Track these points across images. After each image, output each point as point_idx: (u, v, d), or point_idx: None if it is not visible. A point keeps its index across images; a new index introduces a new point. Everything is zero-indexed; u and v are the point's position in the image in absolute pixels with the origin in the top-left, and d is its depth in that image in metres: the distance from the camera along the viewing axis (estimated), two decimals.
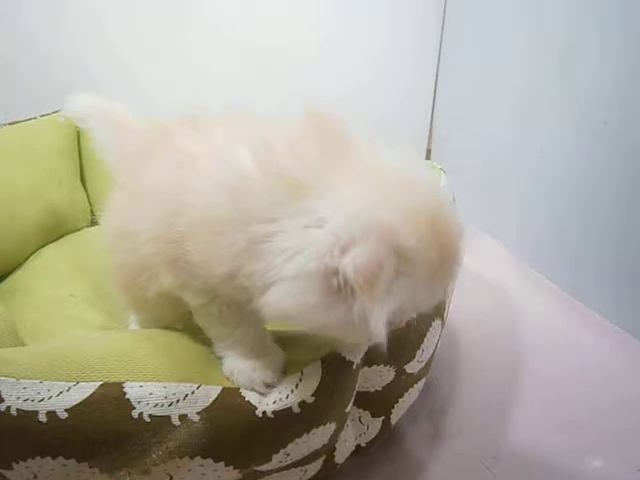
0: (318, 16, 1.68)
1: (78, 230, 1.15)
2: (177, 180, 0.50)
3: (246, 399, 0.50)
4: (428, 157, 1.82)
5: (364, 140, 0.49)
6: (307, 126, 0.47)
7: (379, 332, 0.40)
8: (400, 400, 0.70)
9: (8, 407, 0.45)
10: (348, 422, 0.65)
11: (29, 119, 1.12)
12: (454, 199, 0.88)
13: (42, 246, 1.08)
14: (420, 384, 0.74)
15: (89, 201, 1.20)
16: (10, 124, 1.08)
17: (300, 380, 0.52)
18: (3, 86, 1.33)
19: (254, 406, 0.50)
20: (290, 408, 0.51)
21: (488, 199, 1.50)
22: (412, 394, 0.72)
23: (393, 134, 1.42)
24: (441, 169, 0.94)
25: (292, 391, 0.51)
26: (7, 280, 0.98)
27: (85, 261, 0.98)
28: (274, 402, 0.50)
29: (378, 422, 0.70)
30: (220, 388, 0.51)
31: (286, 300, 0.42)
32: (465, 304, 1.03)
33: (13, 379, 0.47)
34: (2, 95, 1.33)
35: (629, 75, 1.06)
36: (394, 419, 0.72)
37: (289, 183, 0.43)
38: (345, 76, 1.71)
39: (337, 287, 0.40)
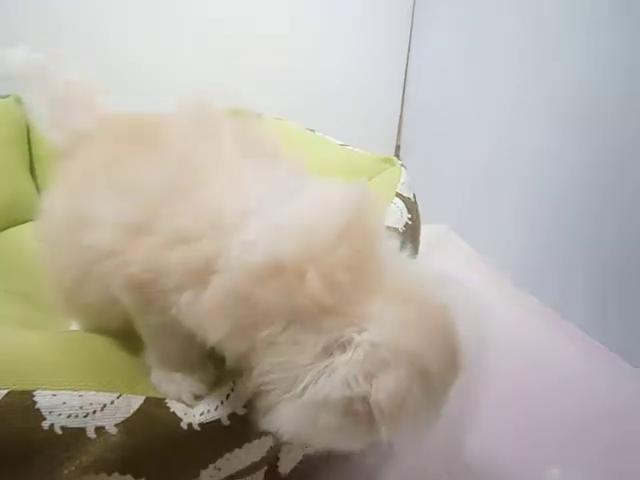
0: (286, 14, 1.65)
1: (24, 222, 1.09)
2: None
3: (171, 410, 0.47)
4: (397, 154, 1.80)
5: (387, 250, 0.47)
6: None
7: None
8: None
9: None
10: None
11: None
12: (414, 196, 0.85)
13: None
14: None
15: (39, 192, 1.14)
16: None
17: (232, 390, 0.48)
18: None
19: (179, 418, 0.46)
20: (219, 420, 0.47)
21: (457, 197, 1.48)
22: None
23: (363, 130, 1.42)
24: (402, 165, 0.91)
25: (222, 402, 0.48)
26: None
27: (27, 255, 0.92)
28: (201, 414, 0.47)
29: None
30: (143, 398, 0.47)
31: (298, 422, 0.40)
32: None
33: None
34: None
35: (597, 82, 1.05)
36: None
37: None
38: (313, 73, 1.69)
39: (358, 412, 0.39)
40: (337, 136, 1.13)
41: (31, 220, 1.09)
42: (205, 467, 0.48)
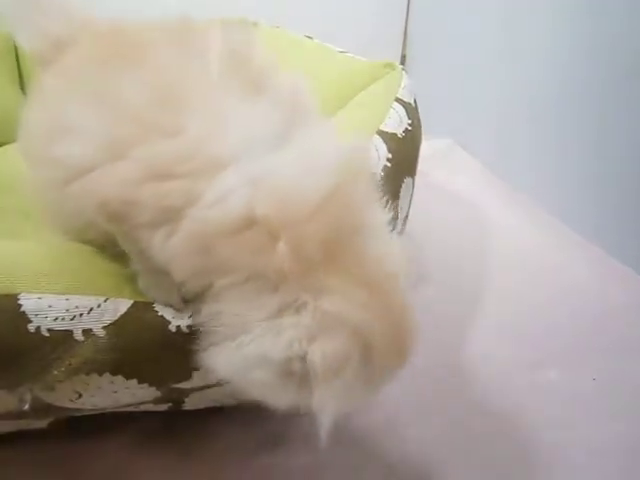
0: None
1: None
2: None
3: (159, 313, 0.46)
4: (403, 63, 1.72)
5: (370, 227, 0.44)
6: None
7: (324, 419, 0.38)
8: None
9: None
10: None
11: None
12: (415, 102, 0.81)
13: None
14: None
15: None
16: None
17: None
18: None
19: (167, 321, 0.46)
20: None
21: (462, 109, 1.43)
22: None
23: (367, 39, 1.35)
24: (403, 69, 0.86)
25: None
26: None
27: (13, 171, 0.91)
28: (190, 316, 0.46)
29: None
30: (131, 302, 0.46)
31: (233, 370, 0.40)
32: (432, 215, 0.99)
33: None
34: None
35: None
36: None
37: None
38: None
39: (294, 373, 0.38)
40: (339, 45, 1.08)
41: None
42: (197, 368, 0.48)
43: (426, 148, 0.83)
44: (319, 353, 0.38)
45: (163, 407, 0.58)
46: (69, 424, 0.56)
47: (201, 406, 0.60)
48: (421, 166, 0.77)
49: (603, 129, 1.05)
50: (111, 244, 0.50)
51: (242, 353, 0.39)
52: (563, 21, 1.12)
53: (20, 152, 0.60)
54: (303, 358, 0.38)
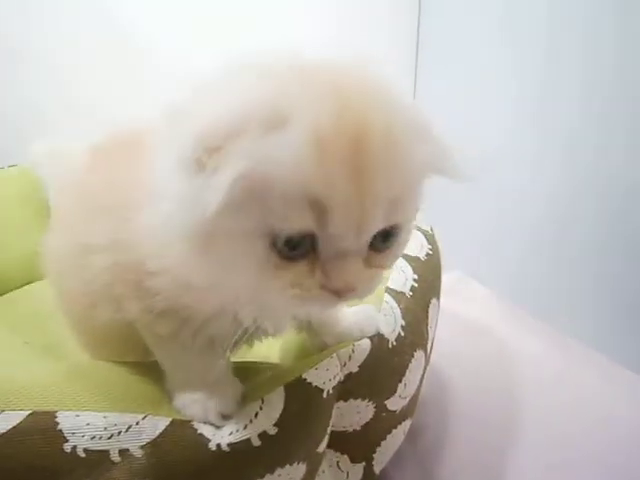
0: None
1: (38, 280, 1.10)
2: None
3: (198, 431, 0.44)
4: None
5: None
6: None
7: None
8: (382, 443, 0.63)
9: None
10: (324, 467, 0.58)
11: None
12: (432, 229, 0.86)
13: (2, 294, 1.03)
14: (405, 425, 0.67)
15: None
16: None
17: (260, 408, 0.46)
18: None
19: (207, 439, 0.44)
20: (249, 440, 0.44)
21: (469, 242, 1.48)
22: (396, 437, 0.65)
23: None
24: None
25: (251, 421, 0.45)
26: None
27: (41, 308, 0.93)
28: (230, 433, 0.44)
29: (359, 468, 0.62)
30: (169, 419, 0.44)
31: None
32: (450, 345, 0.98)
33: None
34: None
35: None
36: (377, 466, 0.64)
37: None
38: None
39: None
40: None
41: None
42: None
43: None
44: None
45: None
46: None
47: None
48: None
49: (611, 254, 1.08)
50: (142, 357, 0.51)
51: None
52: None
53: (47, 275, 0.64)
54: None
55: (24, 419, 0.41)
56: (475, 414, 0.87)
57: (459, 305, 1.21)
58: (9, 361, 0.75)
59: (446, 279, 1.31)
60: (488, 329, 1.14)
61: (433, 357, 0.78)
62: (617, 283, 1.09)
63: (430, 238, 0.81)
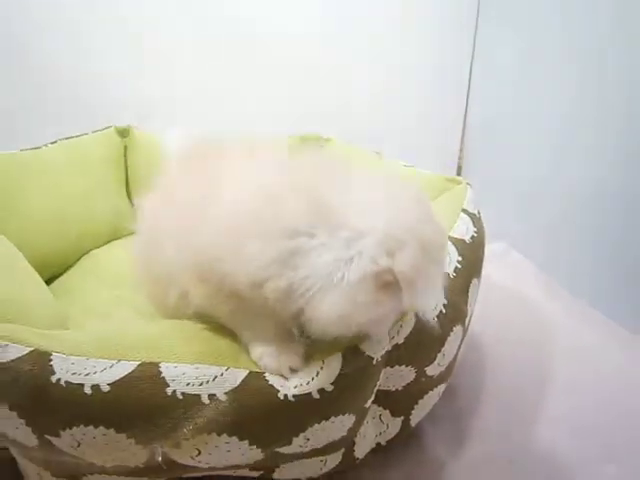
0: (343, 22, 1.70)
1: (124, 236, 1.23)
2: (205, 193, 0.58)
3: (269, 382, 0.55)
4: (459, 174, 1.84)
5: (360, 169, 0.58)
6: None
7: (428, 309, 0.54)
8: (420, 401, 0.73)
9: (58, 379, 0.51)
10: (368, 419, 0.68)
11: (83, 134, 1.22)
12: (479, 213, 0.90)
13: (90, 250, 1.15)
14: (441, 388, 0.76)
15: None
16: (65, 139, 1.17)
17: (321, 369, 0.56)
18: (61, 103, 1.45)
19: (277, 389, 0.54)
20: (310, 394, 0.54)
21: (517, 215, 1.52)
22: (432, 397, 0.75)
23: (423, 150, 1.49)
24: (467, 183, 0.97)
25: (313, 378, 0.55)
26: (58, 281, 1.05)
27: (123, 266, 1.05)
28: (295, 387, 0.54)
29: (398, 422, 0.73)
30: (247, 371, 0.55)
31: (342, 304, 0.49)
32: (491, 315, 1.06)
33: (63, 355, 0.52)
34: (60, 111, 1.44)
35: None
36: (414, 420, 0.74)
37: (317, 201, 0.51)
38: (373, 86, 1.73)
39: (388, 282, 0.48)
40: (401, 158, 1.21)
41: (129, 235, 1.24)
42: (297, 435, 0.55)
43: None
44: (404, 264, 0.48)
45: (256, 474, 0.65)
46: None
47: (287, 477, 0.66)
48: None
49: None
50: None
51: (342, 289, 0.48)
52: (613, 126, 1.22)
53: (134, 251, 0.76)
54: (390, 270, 0.48)
55: (135, 368, 0.53)
56: (506, 377, 0.95)
57: (498, 273, 1.28)
58: (105, 314, 0.88)
59: (492, 250, 1.38)
60: (523, 298, 1.21)
61: (472, 321, 0.85)
62: None
63: (476, 221, 0.87)
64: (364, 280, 0.48)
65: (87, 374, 0.52)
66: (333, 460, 0.66)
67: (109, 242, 1.21)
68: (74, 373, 0.51)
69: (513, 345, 1.05)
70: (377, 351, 0.60)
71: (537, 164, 1.48)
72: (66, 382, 0.51)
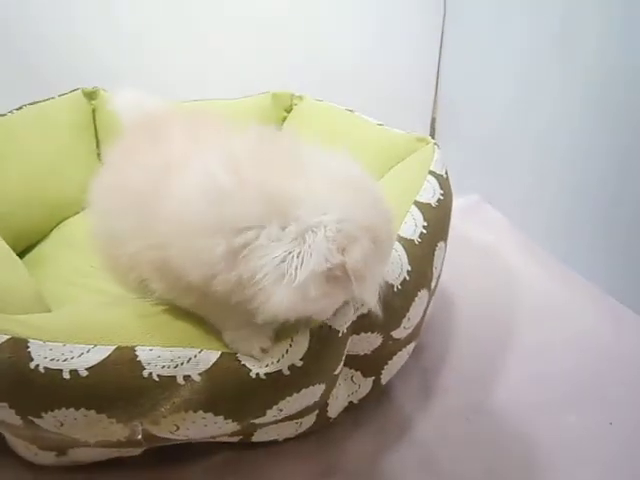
0: None
1: None
2: (155, 182, 0.59)
3: (242, 362, 0.57)
4: (433, 126, 1.83)
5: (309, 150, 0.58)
6: (261, 138, 0.58)
7: (372, 302, 0.54)
8: (389, 362, 0.77)
9: (37, 365, 0.53)
10: (340, 382, 0.71)
11: (49, 98, 1.19)
12: (447, 173, 0.91)
13: (65, 219, 1.15)
14: (410, 347, 0.80)
15: None
16: (30, 104, 1.14)
17: (290, 346, 0.59)
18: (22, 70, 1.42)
19: (249, 368, 0.57)
20: (280, 371, 0.57)
21: (491, 168, 1.53)
22: (401, 357, 0.79)
23: (396, 102, 1.49)
24: (435, 144, 0.97)
25: (283, 356, 0.58)
26: (33, 251, 1.06)
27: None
28: (266, 365, 0.57)
29: (369, 381, 0.76)
30: (219, 352, 0.58)
31: (291, 297, 0.50)
32: (460, 269, 1.08)
33: (41, 341, 0.54)
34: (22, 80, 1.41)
35: None
36: (384, 379, 0.78)
37: (266, 195, 0.51)
38: (346, 42, 1.70)
39: (338, 277, 0.50)
40: (374, 111, 1.20)
41: None
42: (270, 407, 0.59)
43: (454, 204, 0.91)
44: (355, 259, 0.50)
45: (235, 439, 0.69)
46: (158, 452, 0.68)
47: (265, 439, 0.71)
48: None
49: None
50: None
51: (295, 284, 0.49)
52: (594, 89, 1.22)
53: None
54: (342, 265, 0.50)
55: (112, 352, 0.55)
56: (474, 334, 0.99)
57: (471, 228, 1.30)
58: (81, 285, 0.89)
59: (462, 202, 1.40)
60: (496, 254, 1.24)
61: (441, 279, 0.88)
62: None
63: (443, 182, 0.88)
64: (314, 275, 0.49)
65: (65, 360, 0.54)
66: (307, 421, 0.71)
67: (83, 210, 1.20)
68: (52, 359, 0.53)
69: (481, 299, 1.09)
70: (343, 324, 0.63)
71: (511, 115, 1.48)
72: (45, 368, 0.53)
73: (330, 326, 0.61)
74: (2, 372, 0.53)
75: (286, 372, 0.58)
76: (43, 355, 0.53)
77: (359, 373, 0.75)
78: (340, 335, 0.62)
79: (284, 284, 0.49)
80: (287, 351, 0.58)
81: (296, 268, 0.49)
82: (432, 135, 1.79)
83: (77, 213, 1.18)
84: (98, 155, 1.28)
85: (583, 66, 1.20)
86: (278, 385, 0.58)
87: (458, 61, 1.71)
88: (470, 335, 0.99)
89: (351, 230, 0.51)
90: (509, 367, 0.92)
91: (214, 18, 1.60)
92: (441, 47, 1.74)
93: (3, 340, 0.54)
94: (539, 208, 1.39)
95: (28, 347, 0.54)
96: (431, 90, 1.80)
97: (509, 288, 1.13)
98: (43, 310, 0.75)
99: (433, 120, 1.81)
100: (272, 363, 0.57)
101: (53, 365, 0.53)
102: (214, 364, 0.57)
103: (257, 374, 0.57)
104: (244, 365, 0.57)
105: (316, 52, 1.69)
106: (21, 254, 1.01)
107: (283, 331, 0.60)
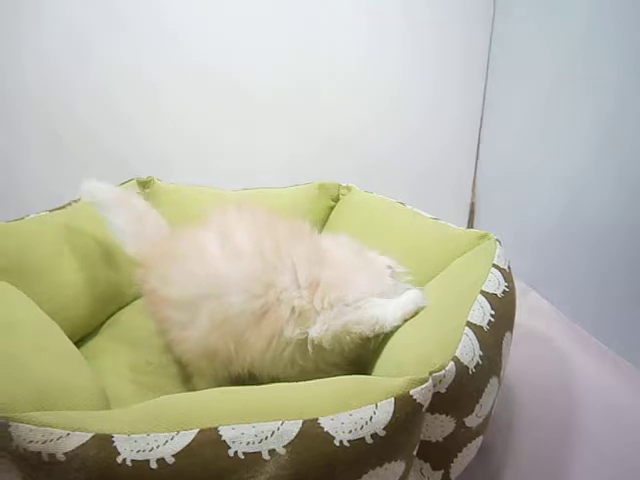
0: (363, 65, 1.81)
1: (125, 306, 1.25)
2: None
3: (325, 429, 0.57)
4: (472, 211, 1.86)
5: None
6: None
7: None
8: (459, 454, 0.74)
9: (124, 459, 0.53)
10: (411, 472, 0.69)
11: None
12: (509, 267, 0.92)
13: (117, 310, 1.18)
14: (478, 441, 0.77)
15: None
16: None
17: (374, 413, 0.58)
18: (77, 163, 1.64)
19: (332, 436, 0.56)
20: (364, 439, 0.56)
21: (533, 254, 1.52)
22: (471, 450, 0.76)
23: (436, 187, 1.56)
24: (497, 240, 0.99)
25: (366, 422, 0.57)
26: (87, 345, 1.07)
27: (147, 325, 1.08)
28: (350, 432, 0.56)
29: (438, 475, 0.73)
30: (301, 422, 0.57)
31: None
32: (516, 360, 1.04)
33: (125, 435, 0.54)
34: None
35: None
36: (453, 474, 0.75)
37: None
38: (389, 127, 1.81)
39: None
40: (415, 197, 1.23)
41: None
42: (360, 476, 0.57)
43: None
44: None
45: None
46: None
47: None
48: None
49: None
50: None
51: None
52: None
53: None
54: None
55: (196, 435, 0.55)
56: (536, 430, 0.96)
57: (521, 316, 1.28)
58: (138, 382, 0.90)
59: None
60: (551, 344, 1.22)
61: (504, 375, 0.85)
62: None
63: (507, 276, 0.89)
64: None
65: (151, 449, 0.54)
66: None
67: (134, 301, 1.24)
68: (138, 451, 0.53)
69: (540, 392, 1.06)
70: (426, 398, 0.62)
71: (554, 201, 1.48)
72: (132, 461, 0.53)
73: (415, 399, 0.60)
74: (89, 470, 0.53)
75: (369, 440, 0.57)
76: (129, 448, 0.53)
77: (428, 465, 0.72)
78: (423, 410, 0.61)
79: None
80: (371, 418, 0.58)
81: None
82: (471, 220, 1.82)
83: (128, 304, 1.21)
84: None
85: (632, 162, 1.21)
86: (361, 455, 0.57)
87: (496, 147, 1.73)
88: (531, 429, 0.96)
89: None
90: (571, 465, 0.88)
91: (264, 110, 1.74)
92: (479, 141, 1.78)
93: (87, 438, 0.54)
94: (589, 295, 1.35)
95: (113, 442, 0.54)
96: (470, 175, 1.84)
97: (564, 378, 1.11)
98: (106, 406, 0.77)
99: (472, 205, 1.83)
100: (355, 430, 0.57)
101: (140, 456, 0.53)
102: (298, 435, 0.56)
103: (341, 441, 0.56)
104: (327, 432, 0.56)
105: (358, 134, 1.76)
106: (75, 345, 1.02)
107: (366, 397, 0.59)
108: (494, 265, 0.89)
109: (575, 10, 1.41)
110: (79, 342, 1.07)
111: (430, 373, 0.62)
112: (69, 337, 0.91)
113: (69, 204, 1.15)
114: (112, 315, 1.17)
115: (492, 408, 0.77)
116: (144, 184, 1.38)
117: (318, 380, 0.67)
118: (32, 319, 0.84)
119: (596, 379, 1.09)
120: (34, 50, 1.64)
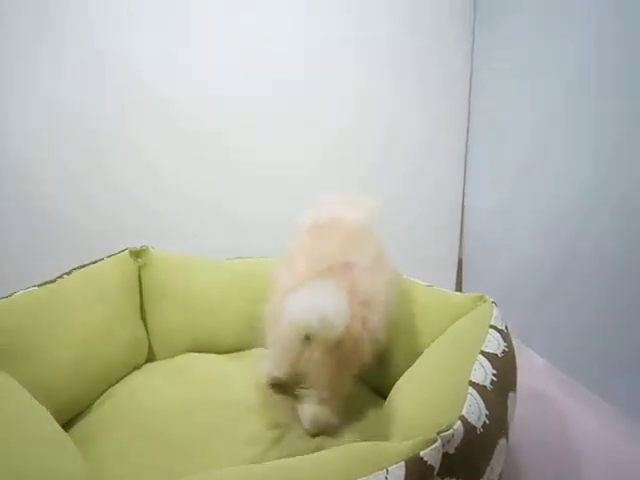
0: (346, 137, 1.88)
1: (138, 368, 1.19)
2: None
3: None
4: (460, 268, 1.87)
5: None
6: None
7: None
8: None
9: None
10: None
11: (98, 260, 1.20)
12: (507, 328, 0.93)
13: (109, 386, 1.09)
14: None
15: (148, 337, 1.26)
16: (79, 267, 1.14)
17: (385, 478, 0.54)
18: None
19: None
20: None
21: (522, 307, 1.52)
22: None
23: (422, 246, 1.56)
24: (493, 302, 1.00)
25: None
26: (79, 424, 0.98)
27: (151, 401, 1.03)
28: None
29: None
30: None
31: None
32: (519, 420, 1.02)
33: None
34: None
35: None
36: None
37: None
38: (375, 184, 1.85)
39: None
40: (404, 257, 1.23)
41: (144, 364, 1.22)
42: None
43: None
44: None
45: None
46: None
47: None
48: None
49: None
50: None
51: None
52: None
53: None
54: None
55: None
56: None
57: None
58: (140, 465, 0.84)
59: None
60: (550, 402, 1.20)
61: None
62: None
63: (505, 336, 0.89)
64: None
65: None
66: None
67: (128, 374, 1.16)
68: None
69: (542, 448, 1.04)
70: (437, 460, 0.58)
71: (541, 254, 1.49)
72: None
73: (426, 462, 0.57)
74: None
75: None
76: None
77: None
78: (435, 473, 0.57)
79: None
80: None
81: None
82: (459, 277, 1.84)
83: (121, 379, 1.13)
84: (142, 314, 1.27)
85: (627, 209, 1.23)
86: None
87: (481, 205, 1.76)
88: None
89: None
90: None
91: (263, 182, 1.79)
92: (463, 199, 1.83)
93: None
94: (583, 351, 1.34)
95: None
96: (456, 232, 1.88)
97: (564, 434, 1.09)
98: None
99: (459, 262, 1.84)
100: None
101: None
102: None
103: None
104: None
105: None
106: (65, 426, 0.92)
107: (378, 458, 0.56)
108: (492, 326, 0.90)
109: (560, 66, 1.44)
110: (69, 423, 0.97)
111: (438, 433, 0.59)
112: (59, 418, 0.84)
113: (60, 277, 1.08)
114: (105, 391, 1.07)
115: (502, 470, 0.72)
116: (137, 254, 1.31)
117: (328, 450, 0.63)
118: (22, 408, 0.77)
119: (597, 435, 1.07)
120: (20, 117, 1.69)
